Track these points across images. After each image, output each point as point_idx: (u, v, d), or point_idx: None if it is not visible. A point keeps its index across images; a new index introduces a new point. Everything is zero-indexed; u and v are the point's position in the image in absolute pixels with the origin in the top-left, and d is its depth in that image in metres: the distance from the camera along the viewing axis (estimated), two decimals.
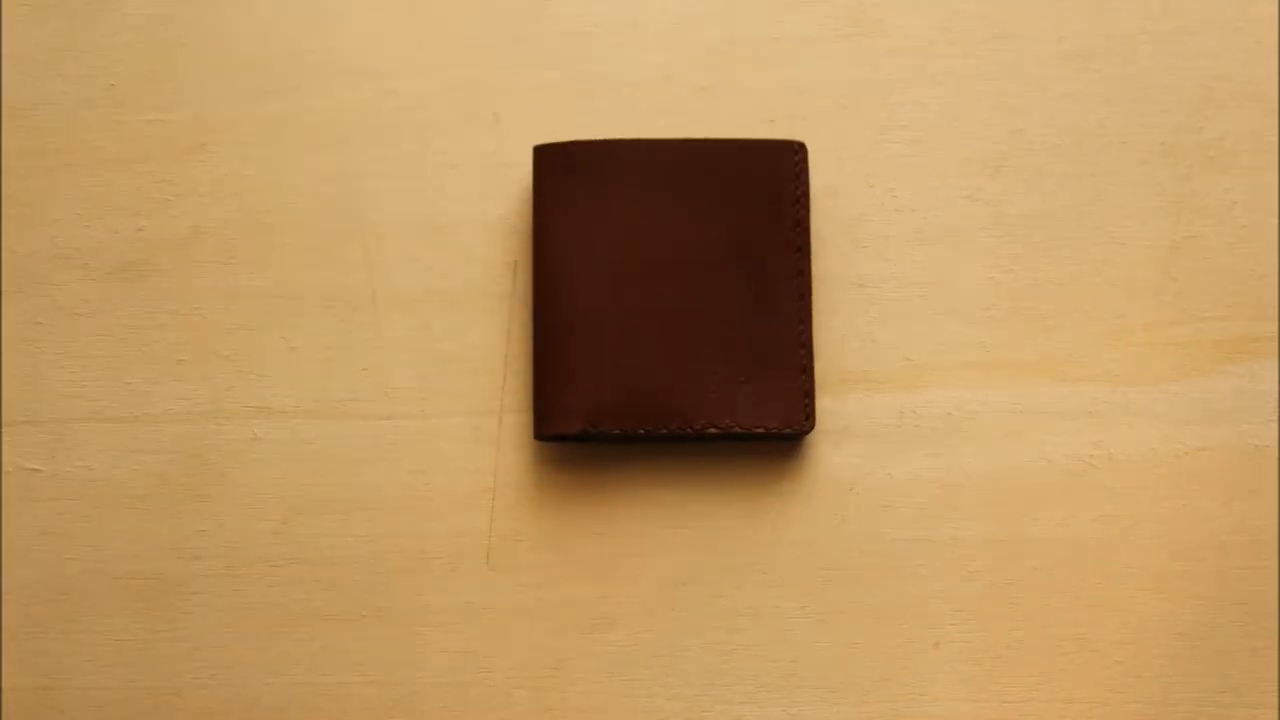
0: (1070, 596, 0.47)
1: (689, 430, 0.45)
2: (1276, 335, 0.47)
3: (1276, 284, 0.48)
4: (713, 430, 0.45)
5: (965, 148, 0.49)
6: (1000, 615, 0.47)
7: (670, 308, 0.46)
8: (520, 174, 0.49)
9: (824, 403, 0.47)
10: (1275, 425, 0.47)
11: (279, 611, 0.47)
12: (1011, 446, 0.47)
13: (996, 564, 0.47)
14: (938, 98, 0.49)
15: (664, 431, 0.45)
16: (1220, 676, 0.46)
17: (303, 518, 0.48)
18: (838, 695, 0.47)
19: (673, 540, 0.47)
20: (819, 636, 0.47)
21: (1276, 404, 0.47)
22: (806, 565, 0.47)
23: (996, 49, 0.49)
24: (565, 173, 0.46)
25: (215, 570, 0.47)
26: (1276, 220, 0.48)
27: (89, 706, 0.47)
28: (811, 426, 0.46)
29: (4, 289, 0.49)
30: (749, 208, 0.46)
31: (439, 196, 0.49)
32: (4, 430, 0.48)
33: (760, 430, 0.45)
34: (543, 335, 0.46)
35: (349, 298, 0.48)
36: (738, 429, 0.45)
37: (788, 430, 0.46)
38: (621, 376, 0.45)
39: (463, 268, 0.49)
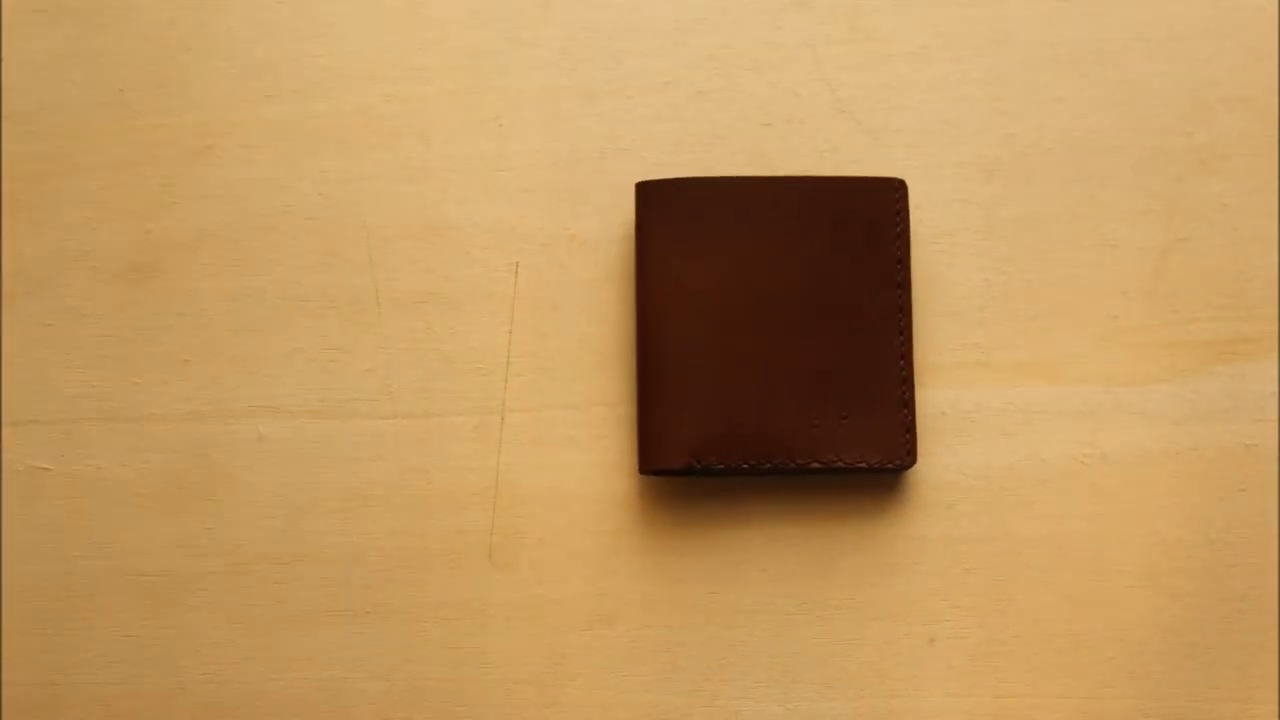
0: (1063, 593, 0.47)
1: (792, 465, 0.46)
2: (1265, 336, 0.48)
3: (1266, 286, 0.48)
4: (816, 465, 0.46)
5: (960, 152, 0.49)
6: (994, 612, 0.47)
7: (772, 343, 0.46)
8: (520, 176, 0.49)
9: None
10: (1264, 425, 0.48)
11: (284, 608, 0.48)
12: (1005, 446, 0.48)
13: (991, 561, 0.47)
14: (932, 103, 0.49)
15: (767, 466, 0.46)
16: (1211, 672, 0.47)
17: (307, 516, 0.48)
18: (834, 690, 0.47)
19: (671, 535, 0.48)
20: (816, 633, 0.47)
21: (1266, 404, 0.48)
22: (803, 562, 0.48)
23: (990, 55, 0.50)
24: (668, 209, 0.47)
25: (221, 568, 0.48)
26: (1266, 223, 0.48)
27: (96, 702, 0.48)
28: (913, 461, 0.46)
29: (14, 291, 0.49)
30: (850, 244, 0.46)
31: (441, 199, 0.49)
32: (14, 430, 0.49)
33: (863, 465, 0.46)
34: (646, 370, 0.46)
35: (353, 299, 0.49)
36: (841, 464, 0.46)
37: (890, 465, 0.46)
38: (724, 412, 0.46)
39: (464, 270, 0.49)
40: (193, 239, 0.49)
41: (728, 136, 0.49)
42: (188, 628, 0.48)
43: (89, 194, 0.50)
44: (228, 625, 0.48)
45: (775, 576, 0.47)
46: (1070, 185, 0.49)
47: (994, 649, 0.47)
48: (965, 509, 0.47)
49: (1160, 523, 0.47)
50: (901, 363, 0.46)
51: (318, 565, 0.48)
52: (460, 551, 0.48)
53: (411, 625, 0.47)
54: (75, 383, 0.49)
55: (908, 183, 0.48)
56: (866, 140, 0.49)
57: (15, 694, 0.48)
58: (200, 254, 0.49)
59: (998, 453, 0.48)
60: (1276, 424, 0.47)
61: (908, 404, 0.46)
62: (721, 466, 0.46)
